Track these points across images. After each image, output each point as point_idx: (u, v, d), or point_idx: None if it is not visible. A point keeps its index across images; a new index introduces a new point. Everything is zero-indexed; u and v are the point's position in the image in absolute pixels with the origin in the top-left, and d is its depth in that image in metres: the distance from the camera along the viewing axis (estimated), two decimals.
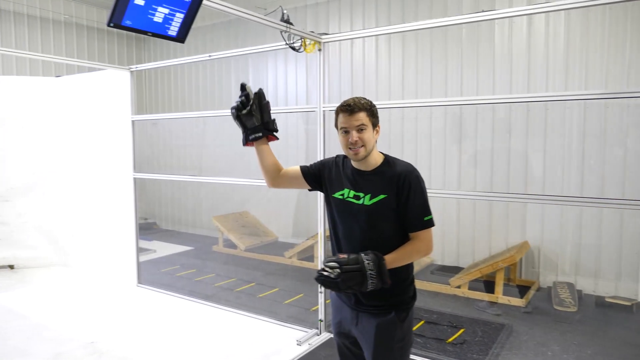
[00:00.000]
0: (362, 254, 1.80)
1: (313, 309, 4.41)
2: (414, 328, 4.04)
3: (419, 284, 4.81)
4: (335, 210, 2.01)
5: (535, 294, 5.05)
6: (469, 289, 5.03)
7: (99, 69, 5.57)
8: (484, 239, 5.72)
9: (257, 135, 2.02)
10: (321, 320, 3.92)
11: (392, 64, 6.24)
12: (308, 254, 6.30)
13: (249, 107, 1.99)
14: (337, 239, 2.03)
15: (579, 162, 5.06)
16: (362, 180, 1.94)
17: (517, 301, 4.72)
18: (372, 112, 1.91)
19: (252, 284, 5.49)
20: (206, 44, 8.11)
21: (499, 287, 4.84)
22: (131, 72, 5.14)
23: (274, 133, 2.09)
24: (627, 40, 4.80)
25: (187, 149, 8.50)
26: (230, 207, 7.79)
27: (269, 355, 3.56)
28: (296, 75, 7.29)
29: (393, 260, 1.84)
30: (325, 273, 1.78)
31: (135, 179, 5.18)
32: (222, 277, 5.81)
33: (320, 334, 3.91)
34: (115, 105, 5.27)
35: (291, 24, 3.42)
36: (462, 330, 4.06)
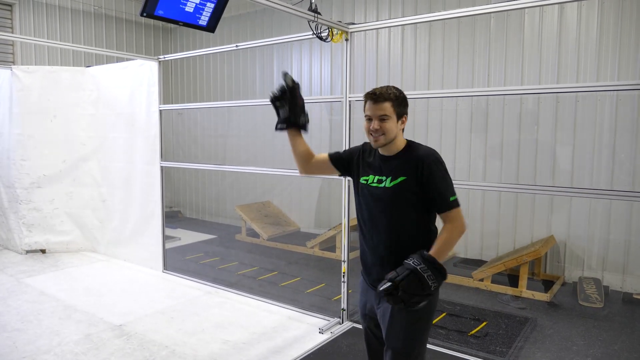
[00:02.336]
0: (406, 260, 1.85)
1: (335, 298, 4.44)
2: (435, 320, 4.04)
3: None
4: (361, 195, 2.09)
5: (560, 289, 4.98)
6: (492, 282, 4.98)
7: (128, 59, 5.68)
8: (508, 233, 5.65)
9: (282, 126, 2.18)
10: (344, 310, 3.95)
11: (418, 54, 6.17)
12: (330, 244, 6.33)
13: (281, 99, 2.15)
14: (364, 223, 2.09)
15: (609, 156, 4.94)
16: (384, 164, 2.02)
17: (541, 295, 4.66)
18: (398, 102, 1.96)
19: (275, 273, 5.56)
20: (231, 35, 8.17)
21: (523, 281, 4.79)
22: (159, 62, 5.23)
23: (302, 129, 2.22)
24: (632, 33, 4.64)
25: (211, 139, 8.60)
26: (253, 196, 7.88)
27: (291, 342, 3.62)
28: (321, 65, 7.29)
29: (438, 252, 1.86)
30: (386, 290, 1.81)
31: (162, 167, 5.28)
32: (245, 265, 5.89)
33: (343, 322, 3.94)
34: (144, 94, 5.38)
35: (319, 13, 3.42)
36: (484, 323, 4.04)
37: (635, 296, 4.72)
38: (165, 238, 5.53)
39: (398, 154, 2.00)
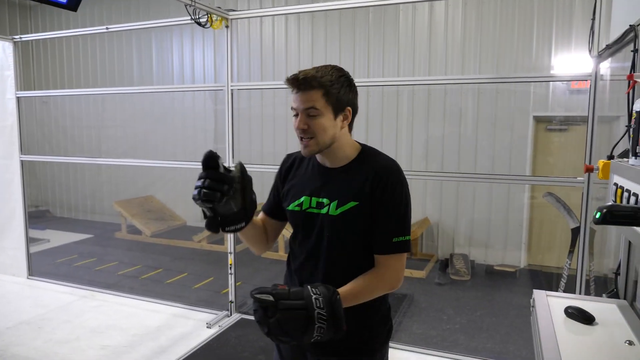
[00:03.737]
0: (310, 287, 1.24)
1: (224, 291, 4.36)
2: None
3: None
4: (292, 221, 1.51)
5: (434, 266, 5.43)
6: None
7: None
8: None
9: (237, 226, 1.35)
10: (232, 302, 3.89)
11: (302, 44, 6.24)
12: (219, 237, 6.19)
13: (229, 193, 1.28)
14: (294, 257, 1.53)
15: (473, 143, 5.48)
16: (327, 180, 1.44)
17: (418, 273, 5.05)
18: (334, 89, 1.36)
19: (159, 270, 5.29)
20: (103, 16, 7.51)
21: None
22: (14, 42, 4.62)
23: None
24: (515, 31, 5.24)
25: (83, 130, 7.87)
26: (134, 191, 7.38)
27: (177, 340, 3.47)
28: (204, 52, 7.03)
29: (350, 294, 1.33)
30: (261, 302, 1.19)
31: (22, 161, 4.71)
32: (126, 264, 5.52)
33: (231, 315, 3.88)
34: None
35: None
36: None
37: (495, 268, 5.32)
38: (31, 241, 4.98)
39: (346, 167, 1.43)
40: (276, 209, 1.57)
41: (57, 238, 6.68)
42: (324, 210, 1.41)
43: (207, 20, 3.55)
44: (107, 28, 4.18)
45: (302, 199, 1.46)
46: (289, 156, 1.59)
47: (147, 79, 7.37)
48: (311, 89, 1.34)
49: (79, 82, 7.98)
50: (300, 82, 1.34)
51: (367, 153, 1.46)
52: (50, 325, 3.75)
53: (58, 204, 8.43)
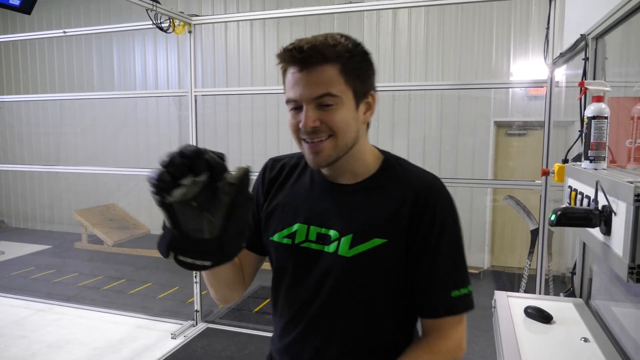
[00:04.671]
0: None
1: (189, 301, 4.27)
2: (259, 308, 4.14)
3: None
4: (276, 266, 1.04)
5: None
6: None
7: None
8: None
9: (197, 262, 0.81)
10: (197, 311, 3.82)
11: (268, 50, 6.23)
12: None
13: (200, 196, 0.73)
14: (275, 319, 1.06)
15: (437, 148, 5.59)
16: (336, 203, 0.97)
17: None
18: (351, 65, 0.90)
19: (122, 281, 5.13)
20: (61, 19, 7.28)
21: None
22: None
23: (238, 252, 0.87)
24: (475, 39, 5.39)
25: (41, 137, 7.59)
26: (95, 199, 7.16)
27: (140, 353, 3.37)
28: (167, 58, 6.91)
29: None
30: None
31: None
32: (87, 275, 5.33)
33: (197, 324, 3.80)
34: None
35: (158, 2, 3.22)
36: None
37: None
38: None
39: (369, 183, 0.97)
40: (256, 236, 1.06)
41: (12, 250, 6.40)
42: (331, 248, 0.94)
43: (170, 25, 3.49)
44: (64, 32, 4.05)
45: (295, 227, 0.98)
46: (274, 161, 1.07)
47: (108, 84, 7.18)
48: (324, 63, 0.86)
49: (35, 87, 7.69)
50: (305, 55, 0.85)
51: (394, 164, 1.00)
52: (4, 341, 3.57)
53: (14, 214, 8.08)
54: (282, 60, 0.90)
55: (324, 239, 0.95)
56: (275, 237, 1.00)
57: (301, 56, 0.86)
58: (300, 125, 0.88)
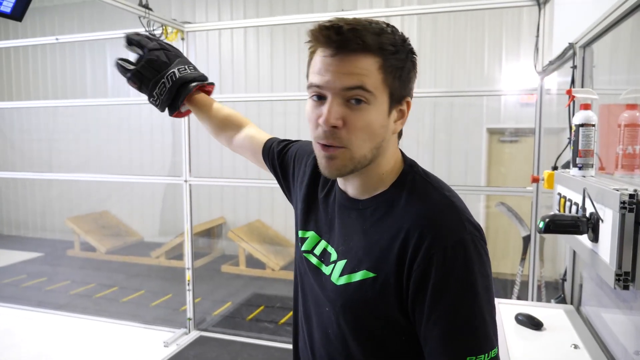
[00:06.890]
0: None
1: (182, 308, 4.24)
2: (252, 315, 4.12)
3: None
4: (298, 266, 0.95)
5: None
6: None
7: None
8: None
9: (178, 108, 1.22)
10: (190, 319, 3.79)
11: (261, 57, 6.24)
12: (177, 252, 6.02)
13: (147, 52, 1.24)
14: (304, 318, 0.93)
15: (430, 155, 5.62)
16: (343, 219, 0.86)
17: None
18: (393, 63, 0.77)
19: (115, 289, 5.10)
20: (55, 26, 7.27)
21: None
22: None
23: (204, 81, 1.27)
24: (467, 46, 5.43)
25: (33, 143, 7.54)
26: (88, 207, 7.12)
27: None
28: None
29: None
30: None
31: None
32: (79, 283, 5.29)
33: (190, 332, 3.78)
34: None
35: (150, 9, 3.22)
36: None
37: None
38: None
39: (378, 200, 0.82)
40: (269, 152, 1.07)
41: (3, 258, 6.33)
42: (327, 270, 0.84)
43: (162, 32, 3.50)
44: (56, 39, 4.04)
45: (309, 233, 0.90)
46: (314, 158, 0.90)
47: (101, 90, 7.17)
48: (363, 52, 0.72)
49: (28, 93, 7.66)
50: (344, 38, 0.72)
51: (411, 178, 0.82)
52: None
53: (5, 221, 8.01)
54: (314, 39, 0.75)
55: (326, 258, 0.86)
56: (300, 233, 0.94)
57: (338, 38, 0.71)
58: (320, 120, 0.74)
